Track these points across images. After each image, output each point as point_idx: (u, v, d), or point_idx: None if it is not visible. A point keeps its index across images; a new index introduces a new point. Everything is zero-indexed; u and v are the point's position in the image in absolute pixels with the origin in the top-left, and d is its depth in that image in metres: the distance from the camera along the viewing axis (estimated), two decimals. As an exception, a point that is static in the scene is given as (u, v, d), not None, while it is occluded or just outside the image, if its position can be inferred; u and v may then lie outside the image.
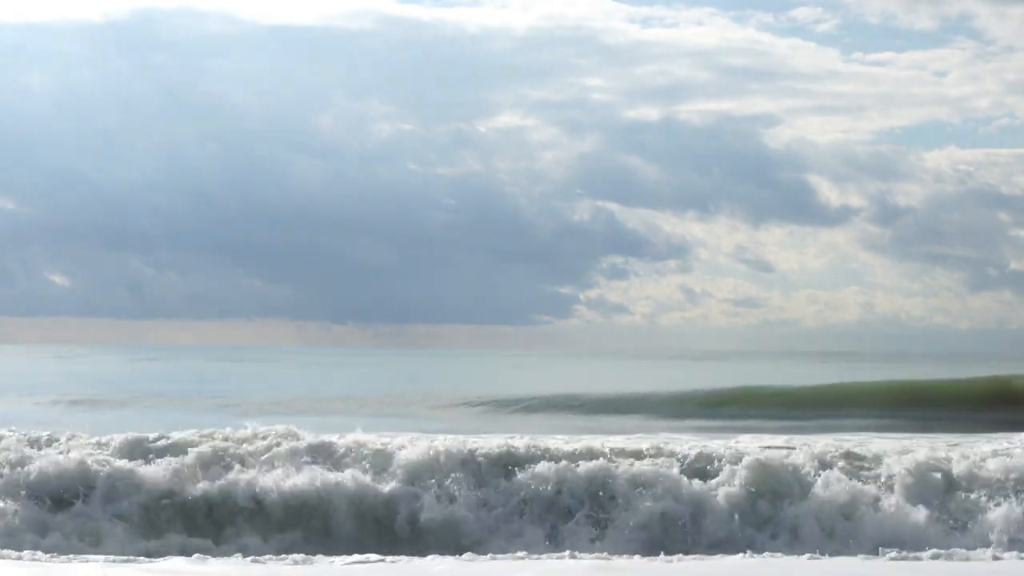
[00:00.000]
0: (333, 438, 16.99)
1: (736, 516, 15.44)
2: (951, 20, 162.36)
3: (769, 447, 17.40)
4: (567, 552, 13.79)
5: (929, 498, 15.62)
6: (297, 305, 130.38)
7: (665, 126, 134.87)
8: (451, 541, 15.14)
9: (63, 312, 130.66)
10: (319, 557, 13.47)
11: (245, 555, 13.94)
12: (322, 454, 16.59)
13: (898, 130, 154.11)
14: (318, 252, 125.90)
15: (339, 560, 13.28)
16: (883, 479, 15.94)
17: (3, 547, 14.05)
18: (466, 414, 36.79)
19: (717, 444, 17.34)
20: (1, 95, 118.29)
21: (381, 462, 16.30)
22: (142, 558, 13.74)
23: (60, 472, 15.97)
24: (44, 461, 16.12)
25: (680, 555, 13.81)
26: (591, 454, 16.41)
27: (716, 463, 16.20)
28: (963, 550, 13.96)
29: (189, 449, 16.56)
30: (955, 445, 18.01)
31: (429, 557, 13.53)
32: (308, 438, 16.93)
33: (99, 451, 16.77)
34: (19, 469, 16.04)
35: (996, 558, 13.68)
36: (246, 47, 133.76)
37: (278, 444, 16.69)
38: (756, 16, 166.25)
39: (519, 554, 13.65)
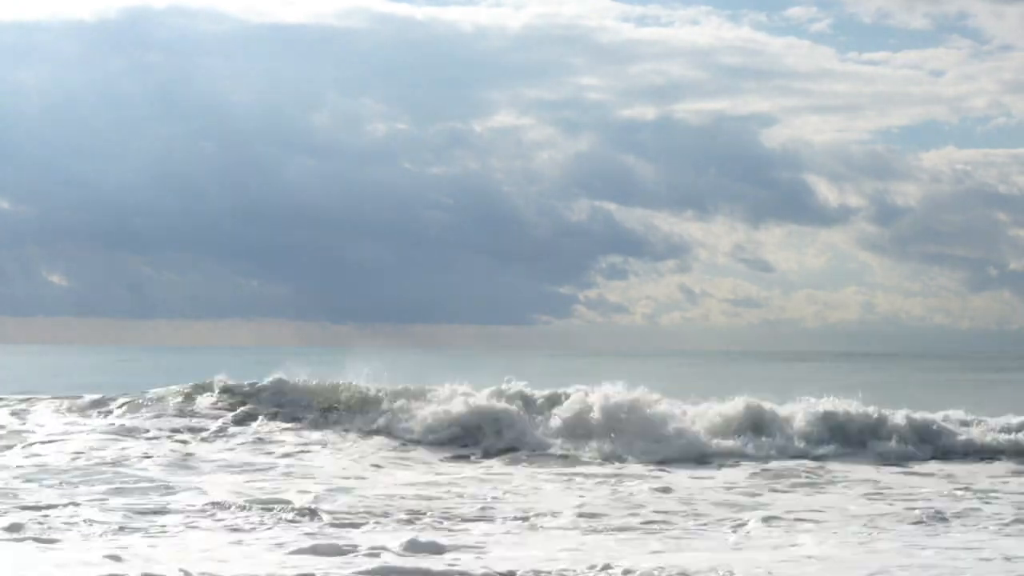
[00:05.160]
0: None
1: None
2: (947, 19, 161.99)
3: None
4: None
5: None
6: (295, 305, 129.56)
7: (661, 125, 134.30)
8: None
9: (61, 312, 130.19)
10: None
11: None
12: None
13: (895, 129, 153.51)
14: (315, 251, 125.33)
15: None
16: None
17: None
18: None
19: None
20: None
21: None
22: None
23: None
24: None
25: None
26: None
27: None
28: None
29: None
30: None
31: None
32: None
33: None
34: None
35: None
36: (239, 46, 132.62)
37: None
38: (750, 15, 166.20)
39: None
